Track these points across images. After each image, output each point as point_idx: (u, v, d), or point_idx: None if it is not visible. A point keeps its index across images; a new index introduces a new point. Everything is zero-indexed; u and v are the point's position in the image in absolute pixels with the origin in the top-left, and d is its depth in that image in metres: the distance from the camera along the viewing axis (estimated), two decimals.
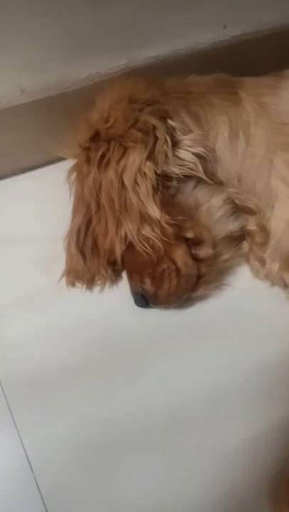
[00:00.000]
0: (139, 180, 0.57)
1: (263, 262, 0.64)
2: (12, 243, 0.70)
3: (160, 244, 0.58)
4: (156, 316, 0.63)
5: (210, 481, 0.52)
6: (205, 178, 0.59)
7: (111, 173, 0.57)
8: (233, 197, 0.62)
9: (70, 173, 0.64)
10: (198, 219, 0.61)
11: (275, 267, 0.62)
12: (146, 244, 0.58)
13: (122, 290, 0.65)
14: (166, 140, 0.58)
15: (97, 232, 0.62)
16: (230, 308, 0.64)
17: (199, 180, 0.60)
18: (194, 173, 0.59)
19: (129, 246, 0.60)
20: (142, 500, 0.52)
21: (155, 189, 0.57)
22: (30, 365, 0.60)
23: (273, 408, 0.57)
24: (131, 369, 0.60)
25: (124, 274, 0.66)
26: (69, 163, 0.64)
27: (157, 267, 0.59)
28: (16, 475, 0.53)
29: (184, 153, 0.58)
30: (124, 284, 0.65)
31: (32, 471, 0.53)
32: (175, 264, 0.59)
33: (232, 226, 0.63)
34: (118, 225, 0.59)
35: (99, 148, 0.59)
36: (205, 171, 0.59)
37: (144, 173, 0.57)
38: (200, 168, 0.59)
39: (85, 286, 0.65)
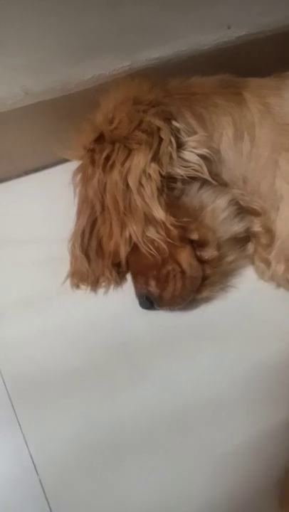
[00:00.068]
0: (143, 181, 0.57)
1: (268, 263, 0.64)
2: (18, 244, 0.70)
3: (165, 246, 0.58)
4: (161, 318, 0.63)
5: (212, 482, 0.52)
6: (210, 179, 0.59)
7: (116, 175, 0.57)
8: (238, 198, 0.62)
9: (74, 174, 0.64)
10: (203, 220, 0.60)
11: (280, 268, 0.62)
12: (151, 246, 0.58)
13: (126, 292, 0.65)
14: (170, 141, 0.57)
15: (101, 234, 0.62)
16: (235, 310, 0.64)
17: (204, 182, 0.60)
18: (199, 174, 0.59)
19: (134, 248, 0.60)
20: (145, 501, 0.52)
21: (160, 191, 0.57)
22: (35, 366, 0.60)
23: (276, 409, 0.56)
24: (135, 371, 0.59)
25: (128, 276, 0.66)
26: (75, 164, 0.64)
27: (162, 269, 0.59)
28: (20, 475, 0.53)
29: (189, 155, 0.58)
30: (128, 285, 0.65)
31: (36, 471, 0.53)
32: (180, 266, 0.59)
33: (237, 228, 0.62)
34: (123, 226, 0.59)
35: (103, 150, 0.59)
36: (210, 173, 0.59)
37: (149, 175, 0.57)
38: (205, 169, 0.58)
39: (89, 288, 0.65)
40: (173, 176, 0.58)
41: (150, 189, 0.57)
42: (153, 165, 0.56)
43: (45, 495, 0.52)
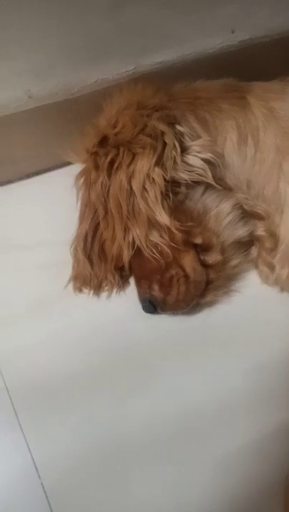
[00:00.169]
0: (147, 186, 0.57)
1: (272, 267, 0.63)
2: (20, 248, 0.70)
3: (168, 250, 0.58)
4: (164, 322, 0.63)
5: (214, 484, 0.52)
6: (214, 183, 0.59)
7: (119, 179, 0.57)
8: (242, 202, 0.62)
9: (77, 178, 0.64)
10: (206, 225, 0.60)
11: (284, 272, 0.62)
12: (154, 250, 0.58)
13: (129, 296, 0.65)
14: (174, 146, 0.57)
15: (104, 238, 0.62)
16: (238, 314, 0.63)
17: (208, 186, 0.60)
18: (203, 178, 0.58)
19: (137, 252, 0.60)
20: (146, 503, 0.51)
21: (164, 195, 0.57)
22: (37, 370, 0.60)
23: (280, 414, 0.56)
24: (138, 375, 0.59)
25: (131, 280, 0.66)
26: (77, 168, 0.64)
27: (165, 273, 0.59)
28: (23, 480, 0.53)
29: (193, 159, 0.58)
30: (131, 290, 0.65)
31: (39, 476, 0.53)
32: (184, 270, 0.59)
33: (241, 232, 0.62)
34: (126, 230, 0.59)
35: (107, 154, 0.59)
36: (214, 177, 0.59)
37: (153, 179, 0.56)
38: (209, 173, 0.58)
39: (92, 292, 0.65)
40: (177, 180, 0.58)
41: (154, 193, 0.56)
42: (157, 169, 0.56)
43: (47, 500, 0.52)
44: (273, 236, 0.62)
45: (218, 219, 0.61)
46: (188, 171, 0.58)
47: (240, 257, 0.64)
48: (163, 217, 0.57)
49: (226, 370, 0.59)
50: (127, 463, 0.54)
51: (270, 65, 0.70)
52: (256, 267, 0.66)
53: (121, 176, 0.57)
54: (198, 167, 0.58)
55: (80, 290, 0.65)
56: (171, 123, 0.59)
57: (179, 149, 0.58)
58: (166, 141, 0.57)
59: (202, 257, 0.60)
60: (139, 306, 0.62)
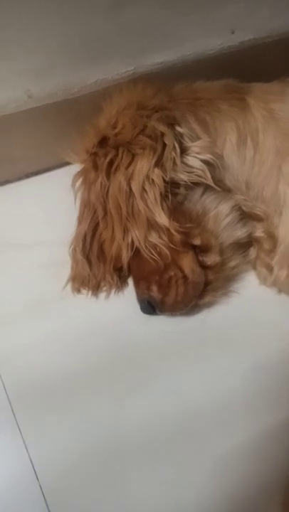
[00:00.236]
0: (147, 187, 0.57)
1: (270, 268, 0.63)
2: (18, 247, 0.70)
3: (167, 252, 0.58)
4: (163, 323, 0.63)
5: (212, 483, 0.52)
6: (213, 185, 0.59)
7: (119, 180, 0.57)
8: (241, 204, 0.62)
9: (76, 178, 0.64)
10: (205, 226, 0.60)
11: (282, 273, 0.62)
12: (153, 251, 0.58)
13: (127, 297, 0.65)
14: (174, 147, 0.57)
15: (103, 238, 0.62)
16: (237, 315, 0.64)
17: (207, 187, 0.60)
18: (202, 180, 0.58)
19: (136, 253, 0.60)
20: (145, 503, 0.51)
21: (163, 196, 0.57)
22: (35, 370, 0.60)
23: (278, 414, 0.56)
24: (136, 375, 0.59)
25: (130, 281, 0.66)
26: (75, 168, 0.64)
27: (164, 274, 0.59)
28: (21, 481, 0.53)
29: (192, 160, 0.58)
30: (130, 290, 0.65)
31: (36, 477, 0.53)
32: (182, 271, 0.59)
33: (239, 233, 0.62)
34: (125, 231, 0.59)
35: (106, 155, 0.58)
36: (213, 178, 0.59)
37: (152, 180, 0.56)
38: (208, 175, 0.58)
39: (90, 292, 0.65)
40: (176, 181, 0.58)
41: (153, 194, 0.57)
42: (156, 170, 0.56)
43: (45, 500, 0.52)
44: (272, 237, 0.63)
45: (217, 220, 0.61)
46: (188, 172, 0.58)
47: (239, 259, 0.64)
48: (162, 219, 0.57)
49: (224, 371, 0.59)
50: (126, 463, 0.54)
51: (271, 66, 0.70)
52: (255, 268, 0.66)
53: (120, 177, 0.57)
54: (197, 168, 0.58)
55: (79, 291, 0.65)
56: (171, 124, 0.59)
57: (178, 150, 0.58)
58: (166, 142, 0.57)
59: (201, 258, 0.60)
60: (137, 306, 0.62)
